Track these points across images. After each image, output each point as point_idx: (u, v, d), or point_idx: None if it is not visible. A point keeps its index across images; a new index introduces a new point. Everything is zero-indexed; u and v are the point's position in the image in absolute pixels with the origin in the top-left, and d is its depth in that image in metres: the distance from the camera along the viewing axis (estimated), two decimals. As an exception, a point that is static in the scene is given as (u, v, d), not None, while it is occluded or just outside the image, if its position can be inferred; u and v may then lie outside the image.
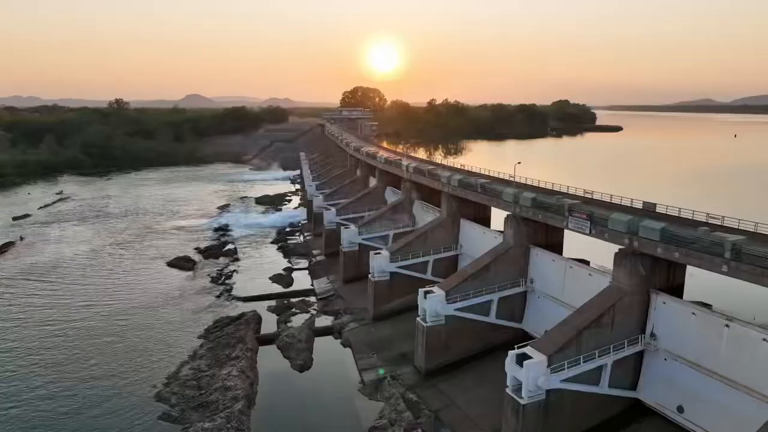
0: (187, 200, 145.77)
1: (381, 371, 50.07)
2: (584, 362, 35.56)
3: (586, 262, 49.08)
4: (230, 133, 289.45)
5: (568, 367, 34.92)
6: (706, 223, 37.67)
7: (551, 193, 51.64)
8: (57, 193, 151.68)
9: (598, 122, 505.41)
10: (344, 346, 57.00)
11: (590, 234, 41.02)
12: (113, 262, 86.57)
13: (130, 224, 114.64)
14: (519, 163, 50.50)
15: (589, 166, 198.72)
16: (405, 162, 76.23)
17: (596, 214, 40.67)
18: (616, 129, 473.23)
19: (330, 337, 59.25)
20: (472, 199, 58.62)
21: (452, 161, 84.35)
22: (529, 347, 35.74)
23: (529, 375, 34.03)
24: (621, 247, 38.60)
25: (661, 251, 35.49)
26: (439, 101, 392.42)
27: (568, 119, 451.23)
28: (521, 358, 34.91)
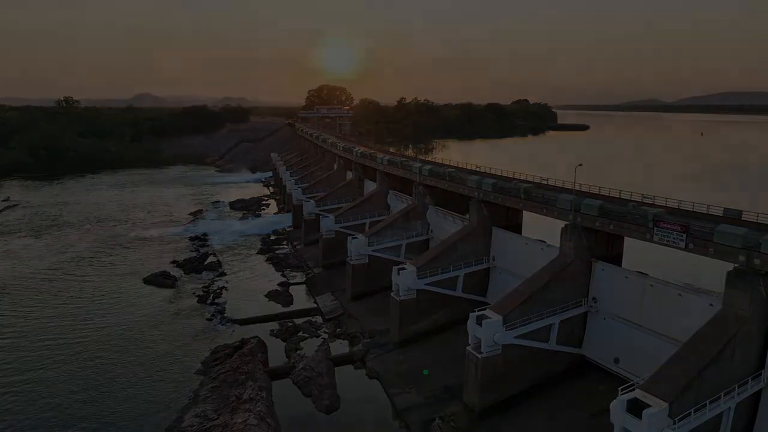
0: (153, 206, 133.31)
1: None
2: (709, 408, 29.48)
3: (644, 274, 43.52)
4: (191, 133, 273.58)
5: (694, 415, 28.75)
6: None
7: (612, 199, 45.63)
8: (3, 200, 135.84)
9: (560, 121, 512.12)
10: (370, 377, 49.39)
11: (686, 249, 35.11)
12: (78, 281, 75.18)
13: (92, 235, 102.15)
14: (580, 165, 44.18)
15: (592, 166, 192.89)
16: (417, 164, 68.94)
17: (694, 226, 34.75)
18: (583, 128, 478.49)
19: (350, 367, 51.51)
20: (511, 205, 52.24)
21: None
22: (640, 391, 29.35)
23: (651, 428, 27.65)
24: (735, 265, 32.74)
25: (796, 272, 29.84)
26: (403, 101, 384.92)
27: (532, 118, 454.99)
28: (635, 406, 28.54)
